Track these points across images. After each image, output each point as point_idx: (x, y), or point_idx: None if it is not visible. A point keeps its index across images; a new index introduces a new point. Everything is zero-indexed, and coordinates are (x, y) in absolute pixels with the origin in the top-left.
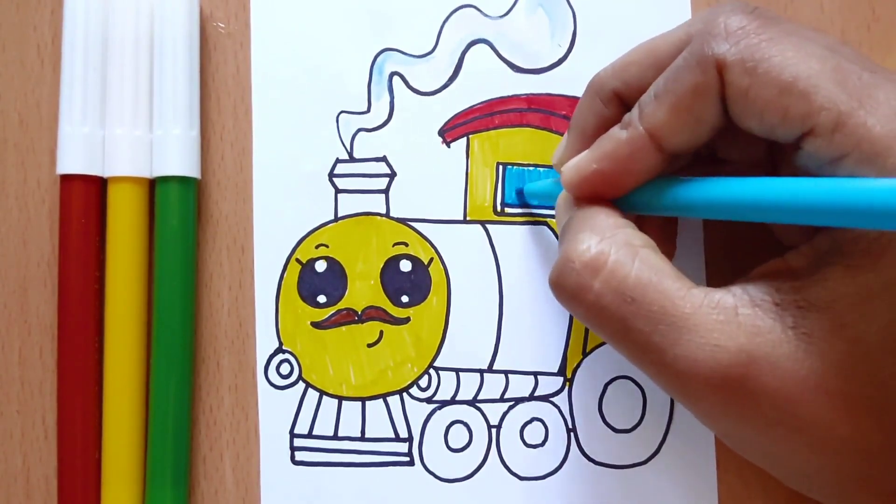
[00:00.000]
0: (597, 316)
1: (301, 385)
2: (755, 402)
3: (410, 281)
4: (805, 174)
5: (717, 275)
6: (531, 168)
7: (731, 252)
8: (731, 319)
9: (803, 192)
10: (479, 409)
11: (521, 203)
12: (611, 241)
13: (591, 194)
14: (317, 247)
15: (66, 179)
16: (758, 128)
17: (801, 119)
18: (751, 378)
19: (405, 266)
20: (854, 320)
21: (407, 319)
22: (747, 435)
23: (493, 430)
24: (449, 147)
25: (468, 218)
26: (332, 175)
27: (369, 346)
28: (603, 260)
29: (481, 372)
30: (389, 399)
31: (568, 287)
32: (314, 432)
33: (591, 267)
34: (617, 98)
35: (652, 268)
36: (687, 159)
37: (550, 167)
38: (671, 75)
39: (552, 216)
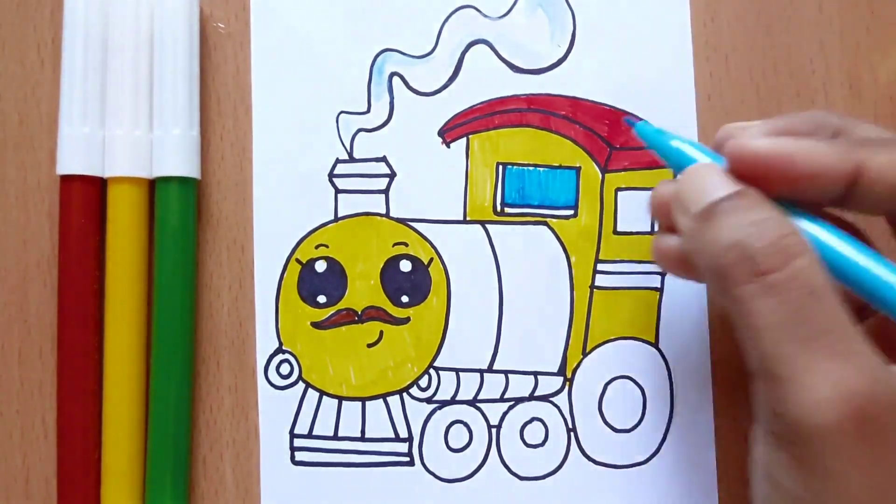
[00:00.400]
0: (773, 296)
1: (301, 385)
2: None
3: (410, 281)
4: None
5: None
6: (531, 168)
7: None
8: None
9: None
10: (479, 409)
11: (522, 202)
12: (800, 236)
13: (759, 175)
14: (317, 247)
15: (66, 180)
16: None
17: None
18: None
19: (405, 266)
20: None
21: (407, 319)
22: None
23: (493, 430)
24: (449, 147)
25: (468, 218)
26: (332, 175)
27: (369, 346)
28: (802, 248)
29: (481, 372)
30: (389, 399)
31: (760, 256)
32: (314, 432)
33: (793, 251)
34: (831, 132)
35: (830, 281)
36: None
37: (550, 167)
38: None
39: (552, 216)
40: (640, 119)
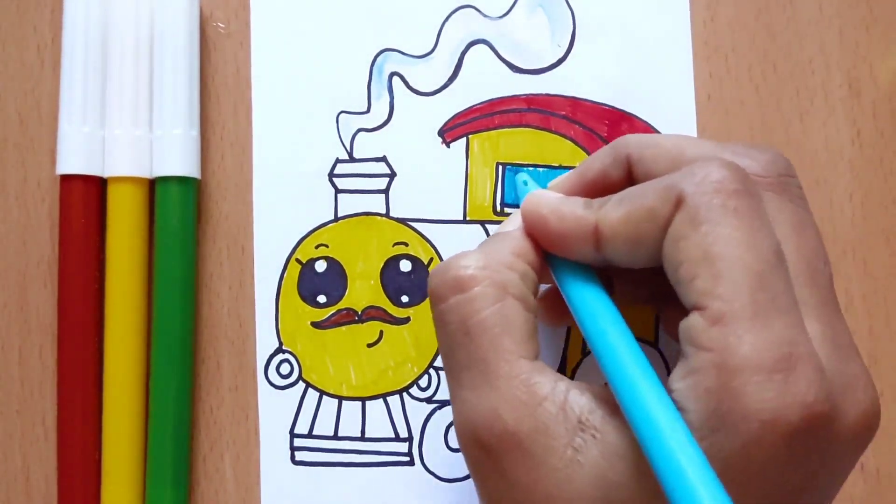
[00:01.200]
0: (437, 325)
1: (301, 385)
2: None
3: (410, 281)
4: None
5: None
6: (531, 168)
7: None
8: (529, 403)
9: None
10: None
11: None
12: (490, 274)
13: (531, 232)
14: (317, 247)
15: (66, 179)
16: (669, 276)
17: (699, 295)
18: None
19: (405, 266)
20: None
21: (407, 319)
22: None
23: None
24: (449, 147)
25: (468, 218)
26: (331, 175)
27: (369, 346)
28: (469, 285)
29: None
30: (389, 399)
31: (432, 284)
32: (314, 432)
33: (457, 283)
34: (626, 164)
35: (504, 319)
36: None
37: (550, 167)
38: (643, 187)
39: None
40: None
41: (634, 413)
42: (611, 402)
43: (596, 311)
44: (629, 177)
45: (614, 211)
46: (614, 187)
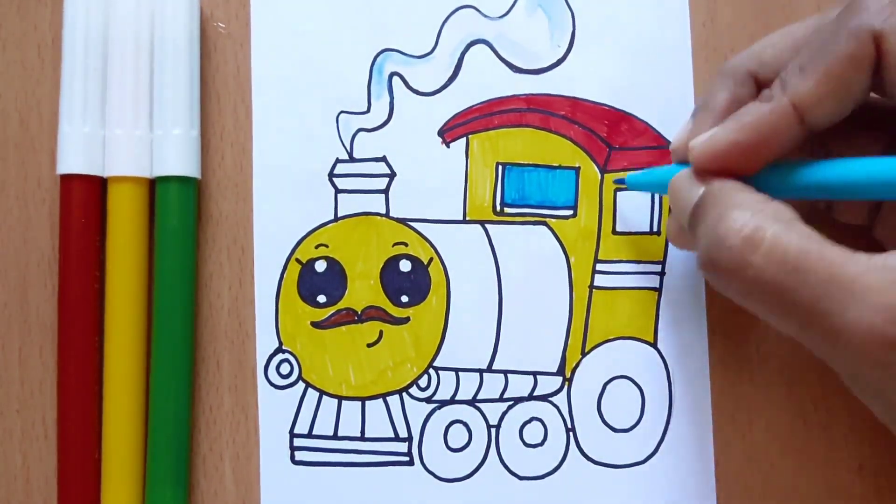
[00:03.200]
0: (760, 291)
1: (301, 385)
2: None
3: (410, 281)
4: None
5: None
6: (531, 168)
7: None
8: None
9: None
10: (478, 408)
11: (522, 202)
12: (763, 216)
13: (725, 169)
14: (317, 247)
15: (67, 179)
16: None
17: None
18: None
19: (405, 266)
20: None
21: (406, 319)
22: None
23: (493, 430)
24: (448, 147)
25: (468, 218)
26: (331, 175)
27: (369, 345)
28: (761, 235)
29: (480, 372)
30: (389, 399)
31: (725, 266)
32: (314, 432)
33: (751, 242)
34: (752, 79)
35: (810, 237)
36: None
37: (550, 167)
38: (820, 46)
39: (551, 216)
40: (625, 177)
41: None
42: None
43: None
44: (758, 89)
45: (804, 81)
46: (744, 104)
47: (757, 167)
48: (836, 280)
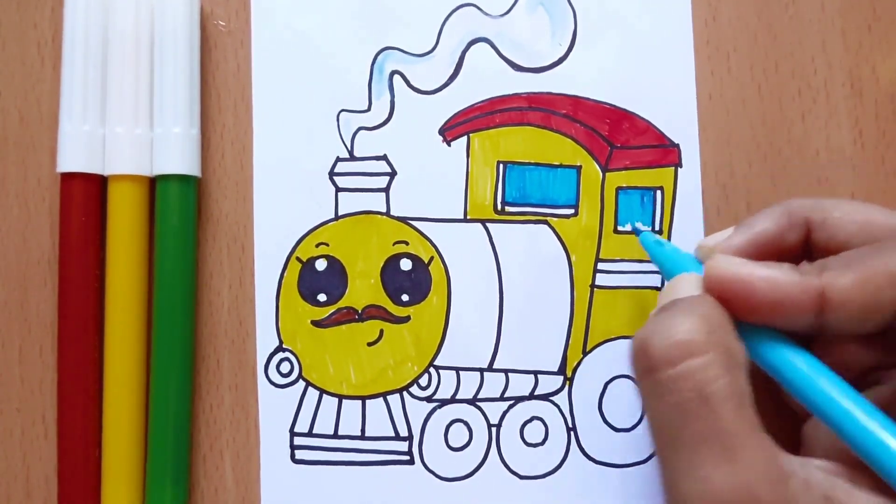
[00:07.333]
0: (658, 395)
1: (301, 384)
2: None
3: (411, 280)
4: None
5: None
6: (532, 166)
7: None
8: (780, 480)
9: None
10: (479, 407)
11: (523, 201)
12: (719, 339)
13: (726, 299)
14: (317, 245)
15: (67, 177)
16: None
17: None
18: None
19: (405, 265)
20: None
21: (407, 318)
22: None
23: (493, 429)
24: (449, 146)
25: (468, 217)
26: (332, 173)
27: (369, 344)
28: (702, 350)
29: (481, 371)
30: (389, 398)
31: (651, 348)
32: (314, 431)
33: (686, 348)
34: (807, 228)
35: (741, 389)
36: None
37: (551, 165)
38: (875, 253)
39: (553, 215)
40: (647, 228)
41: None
42: (845, 475)
43: (814, 376)
44: (806, 241)
45: (843, 276)
46: (788, 252)
47: (754, 320)
48: (727, 436)
